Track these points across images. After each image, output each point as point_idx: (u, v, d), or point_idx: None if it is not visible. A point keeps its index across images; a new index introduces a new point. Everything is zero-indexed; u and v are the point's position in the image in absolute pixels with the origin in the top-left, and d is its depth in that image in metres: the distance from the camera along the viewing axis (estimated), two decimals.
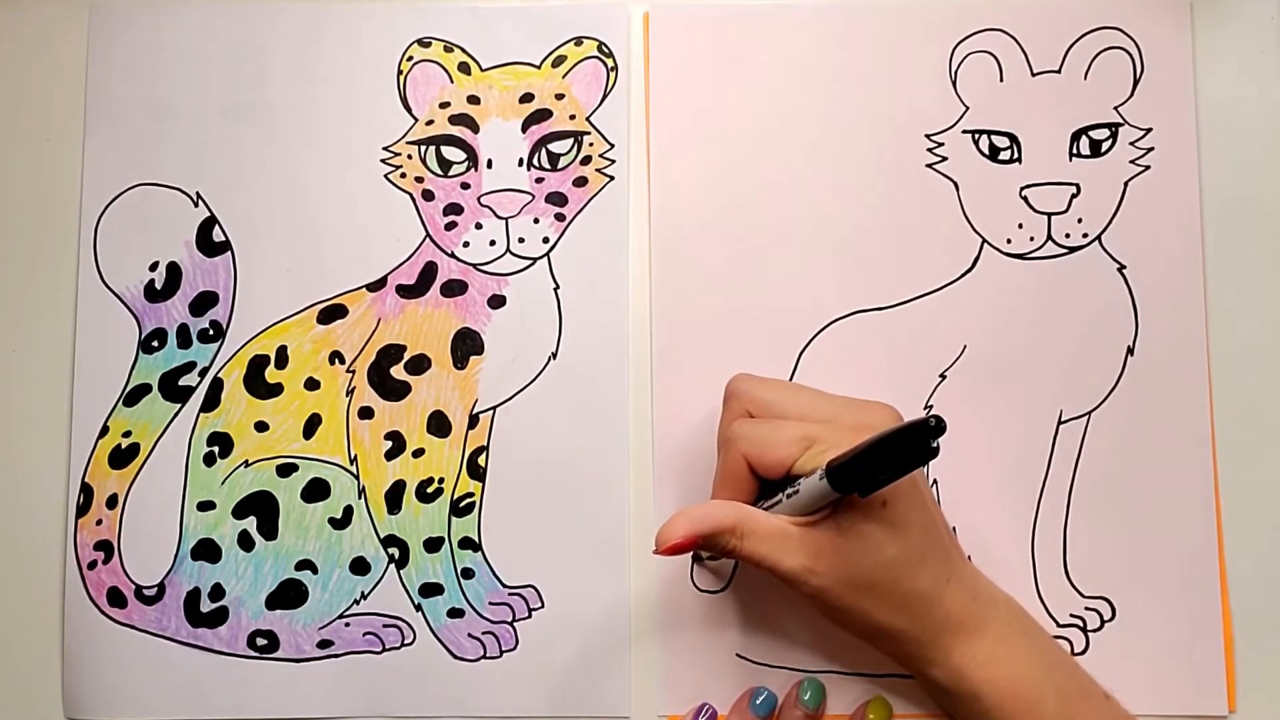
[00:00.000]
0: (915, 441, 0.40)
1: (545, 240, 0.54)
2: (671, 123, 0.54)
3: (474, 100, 0.55)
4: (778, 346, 0.53)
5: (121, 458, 0.53)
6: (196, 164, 0.55)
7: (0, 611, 0.53)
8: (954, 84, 0.54)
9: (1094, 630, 0.52)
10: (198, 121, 0.55)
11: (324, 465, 0.53)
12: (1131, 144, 0.54)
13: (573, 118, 0.55)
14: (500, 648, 0.52)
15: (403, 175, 0.54)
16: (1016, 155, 0.54)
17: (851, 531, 0.44)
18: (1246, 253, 0.54)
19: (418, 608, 0.53)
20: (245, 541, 0.53)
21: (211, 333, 0.54)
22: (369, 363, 0.53)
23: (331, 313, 0.54)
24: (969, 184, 0.54)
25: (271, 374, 0.53)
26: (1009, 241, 0.54)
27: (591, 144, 0.54)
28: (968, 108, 0.54)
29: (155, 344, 0.54)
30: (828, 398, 0.48)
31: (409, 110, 0.55)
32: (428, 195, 0.54)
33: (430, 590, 0.53)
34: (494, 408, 0.53)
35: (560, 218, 0.54)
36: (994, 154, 0.54)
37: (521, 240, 0.54)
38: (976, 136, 0.54)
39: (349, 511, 0.53)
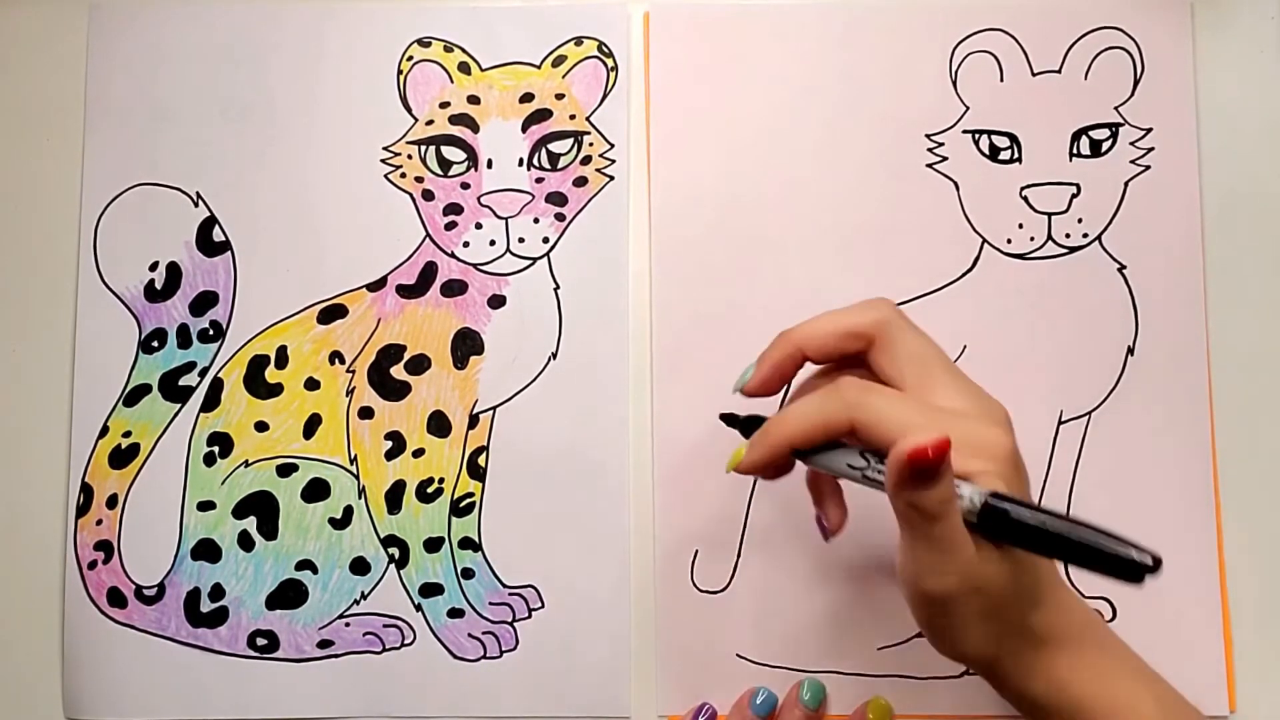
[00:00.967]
0: (1124, 569, 0.37)
1: (545, 240, 0.54)
2: (671, 123, 0.54)
3: (474, 100, 0.55)
4: None
5: (121, 458, 0.53)
6: (196, 164, 0.55)
7: (0, 611, 0.53)
8: (954, 84, 0.54)
9: None
10: (198, 121, 0.55)
11: (324, 465, 0.53)
12: (1131, 144, 0.54)
13: (573, 118, 0.55)
14: (500, 648, 0.52)
15: (403, 175, 0.54)
16: (1017, 155, 0.54)
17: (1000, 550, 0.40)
18: (1246, 253, 0.54)
19: (418, 608, 0.53)
20: (245, 541, 0.53)
21: (211, 333, 0.54)
22: (369, 363, 0.53)
23: (331, 313, 0.54)
24: (969, 184, 0.54)
25: (271, 374, 0.53)
26: (1009, 241, 0.54)
27: (591, 144, 0.54)
28: (968, 108, 0.54)
29: (155, 344, 0.54)
30: (975, 394, 0.43)
31: (409, 110, 0.55)
32: (428, 195, 0.54)
33: (430, 590, 0.53)
34: (494, 408, 0.53)
35: (560, 218, 0.54)
36: (994, 154, 0.54)
37: (521, 240, 0.54)
38: (977, 136, 0.54)
39: (349, 511, 0.53)
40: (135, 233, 0.54)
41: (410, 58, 0.55)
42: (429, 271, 0.54)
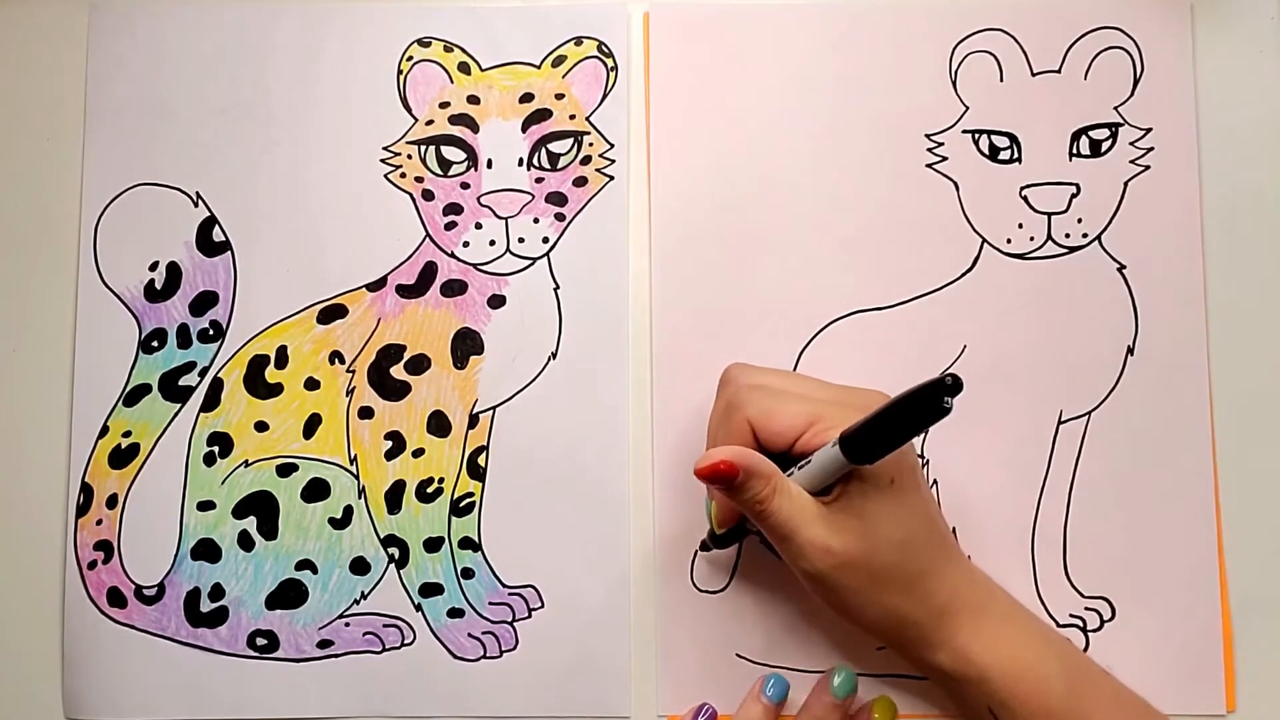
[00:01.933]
0: (930, 400, 0.40)
1: (545, 240, 0.54)
2: (671, 123, 0.54)
3: (474, 100, 0.55)
4: (778, 346, 0.53)
5: (121, 458, 0.53)
6: (196, 164, 0.55)
7: (0, 611, 0.53)
8: (954, 84, 0.54)
9: (1094, 630, 0.52)
10: (198, 121, 0.55)
11: (324, 465, 0.53)
12: (1131, 144, 0.54)
13: (573, 118, 0.55)
14: (500, 648, 0.52)
15: (403, 175, 0.54)
16: (1016, 155, 0.54)
17: (865, 512, 0.44)
18: (1246, 252, 0.54)
19: (418, 608, 0.53)
20: (245, 541, 0.53)
21: (211, 333, 0.54)
22: (369, 363, 0.53)
23: (331, 313, 0.54)
24: (969, 184, 0.54)
25: (271, 374, 0.53)
26: (1009, 241, 0.54)
27: (591, 144, 0.54)
28: (968, 108, 0.54)
29: (155, 344, 0.54)
30: (824, 383, 0.48)
31: (409, 110, 0.55)
32: (428, 195, 0.54)
33: (430, 590, 0.53)
34: (494, 408, 0.53)
35: (560, 218, 0.54)
36: (994, 154, 0.54)
37: (521, 240, 0.54)
38: (976, 136, 0.54)
39: (349, 511, 0.53)
40: (135, 233, 0.54)
41: (410, 58, 0.55)
42: (429, 271, 0.54)
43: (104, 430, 0.53)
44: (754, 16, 0.55)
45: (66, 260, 0.54)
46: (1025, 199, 0.54)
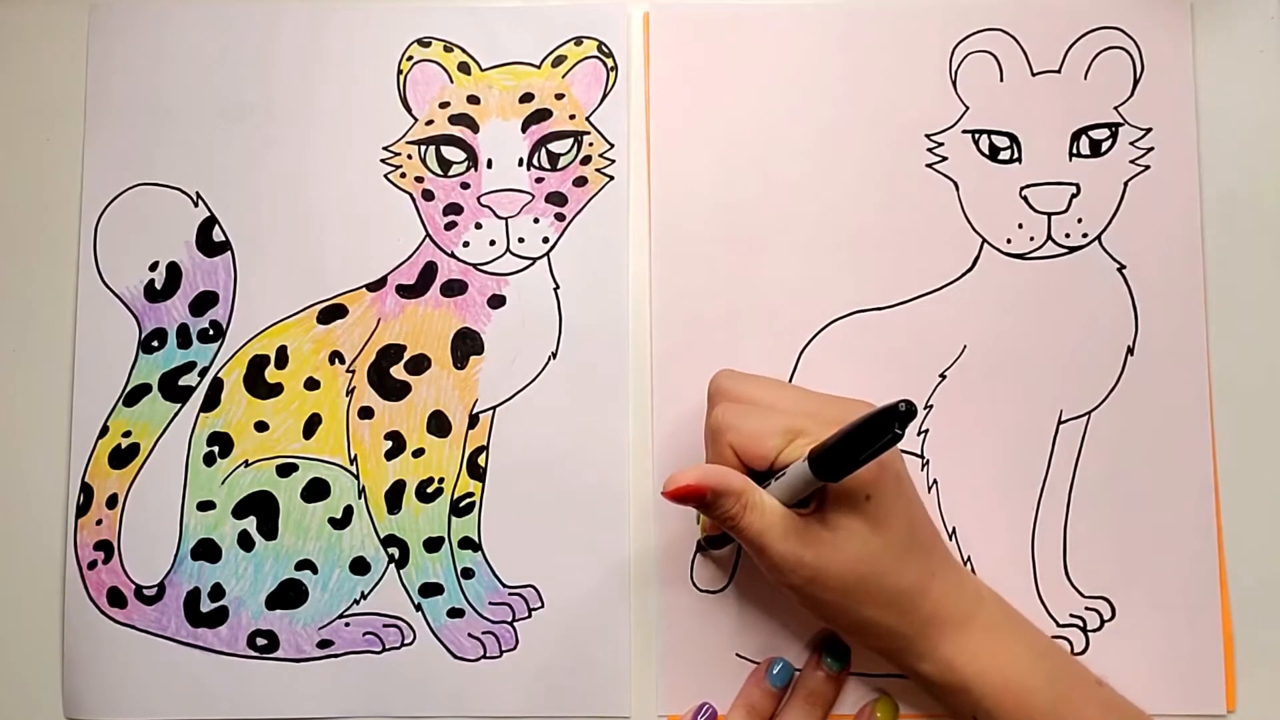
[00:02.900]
0: (884, 425, 0.40)
1: (545, 240, 0.54)
2: (671, 123, 0.54)
3: (474, 100, 0.55)
4: (778, 346, 0.53)
5: (121, 458, 0.53)
6: (196, 164, 0.55)
7: (0, 611, 0.53)
8: (954, 84, 0.54)
9: (1094, 630, 0.52)
10: (198, 121, 0.55)
11: (324, 465, 0.53)
12: (1131, 144, 0.54)
13: (573, 118, 0.55)
14: (500, 648, 0.52)
15: (403, 175, 0.54)
16: (1016, 155, 0.54)
17: (838, 525, 0.45)
18: (1246, 252, 0.54)
19: (418, 608, 0.53)
20: (245, 541, 0.53)
21: (211, 333, 0.54)
22: (369, 363, 0.53)
23: (331, 313, 0.54)
24: (969, 184, 0.54)
25: (271, 374, 0.53)
26: (1009, 241, 0.54)
27: (591, 144, 0.54)
28: (968, 108, 0.54)
29: (155, 344, 0.54)
30: (811, 394, 0.48)
31: (409, 110, 0.55)
32: (428, 195, 0.54)
33: (430, 590, 0.53)
34: (494, 408, 0.53)
35: (560, 218, 0.54)
36: (994, 154, 0.54)
37: (521, 240, 0.54)
38: (976, 136, 0.54)
39: (349, 511, 0.53)
40: (135, 233, 0.54)
41: (410, 58, 0.55)
42: (429, 271, 0.54)
43: (104, 430, 0.53)
44: (754, 16, 0.55)
45: (66, 260, 0.54)
46: (1025, 199, 0.54)
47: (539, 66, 0.55)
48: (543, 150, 0.54)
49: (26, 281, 0.55)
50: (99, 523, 0.53)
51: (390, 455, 0.53)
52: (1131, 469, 0.52)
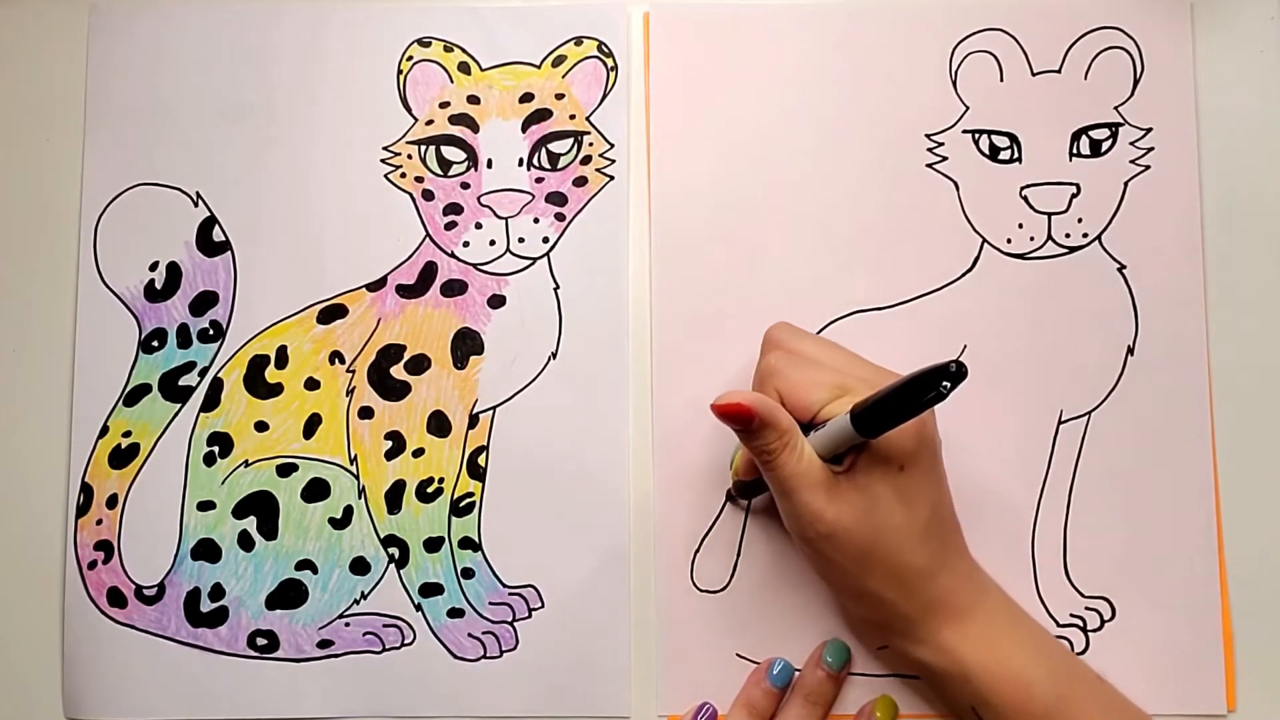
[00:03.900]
0: (931, 382, 0.40)
1: (545, 240, 0.54)
2: (671, 123, 0.54)
3: (474, 100, 0.55)
4: None
5: (121, 458, 0.53)
6: (196, 164, 0.55)
7: (0, 611, 0.53)
8: (954, 84, 0.54)
9: (1094, 630, 0.52)
10: (198, 121, 0.55)
11: (324, 465, 0.53)
12: (1131, 144, 0.54)
13: (573, 117, 0.55)
14: (500, 648, 0.52)
15: (403, 175, 0.54)
16: (1016, 155, 0.54)
17: (867, 489, 0.45)
18: (1246, 252, 0.54)
19: (418, 608, 0.53)
20: (245, 541, 0.53)
21: (211, 333, 0.54)
22: (369, 363, 0.54)
23: (331, 313, 0.54)
24: (969, 184, 0.54)
25: (271, 374, 0.53)
26: (1009, 241, 0.54)
27: (591, 144, 0.54)
28: (968, 108, 0.54)
29: (155, 344, 0.54)
30: (865, 361, 0.48)
31: (409, 110, 0.55)
32: (428, 195, 0.54)
33: (430, 590, 0.53)
34: (494, 408, 0.53)
35: (560, 217, 0.54)
36: (994, 154, 0.54)
37: (521, 240, 0.54)
38: (976, 136, 0.54)
39: (349, 511, 0.53)
40: (135, 233, 0.54)
41: (410, 58, 0.55)
42: (429, 271, 0.54)
43: (104, 430, 0.53)
44: (754, 16, 0.55)
45: (66, 260, 0.54)
46: (1025, 199, 0.54)
47: (539, 66, 0.55)
48: (543, 150, 0.54)
49: (26, 281, 0.55)
50: (99, 523, 0.53)
51: (390, 455, 0.53)
52: (1131, 469, 0.52)
